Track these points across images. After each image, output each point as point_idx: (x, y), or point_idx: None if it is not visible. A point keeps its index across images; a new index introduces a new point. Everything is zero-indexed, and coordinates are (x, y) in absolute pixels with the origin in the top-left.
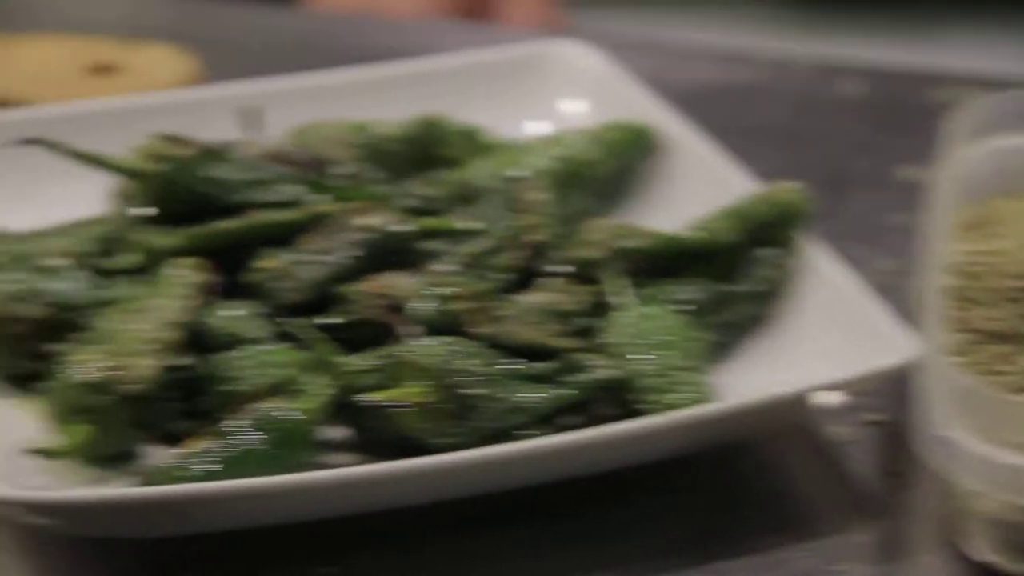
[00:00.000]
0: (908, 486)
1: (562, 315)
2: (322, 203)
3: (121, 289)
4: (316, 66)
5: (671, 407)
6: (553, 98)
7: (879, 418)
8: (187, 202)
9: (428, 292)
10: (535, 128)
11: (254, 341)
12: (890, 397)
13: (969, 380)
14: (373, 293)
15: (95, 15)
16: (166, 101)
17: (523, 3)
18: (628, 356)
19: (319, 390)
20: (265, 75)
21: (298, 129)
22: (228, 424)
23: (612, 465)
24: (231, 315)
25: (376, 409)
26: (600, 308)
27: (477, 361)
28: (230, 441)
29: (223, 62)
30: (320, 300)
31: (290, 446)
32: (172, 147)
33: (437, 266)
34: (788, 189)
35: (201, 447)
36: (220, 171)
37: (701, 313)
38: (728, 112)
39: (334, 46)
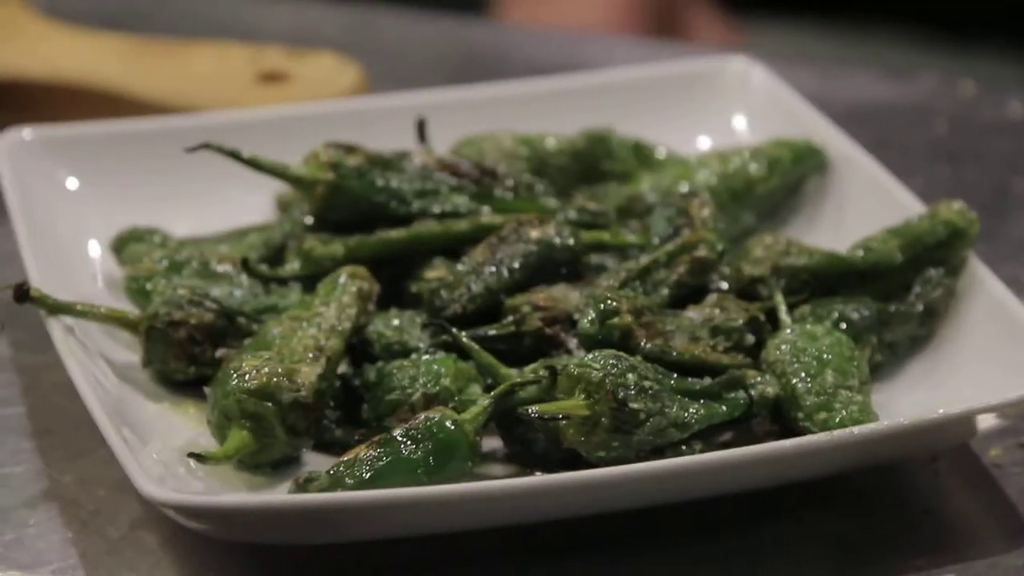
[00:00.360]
0: None
1: (725, 331)
2: (489, 215)
3: (285, 296)
4: (482, 77)
5: (831, 426)
6: (718, 114)
7: None
8: (354, 210)
9: (593, 306)
10: (701, 143)
11: (416, 350)
12: None
13: None
14: (538, 305)
15: (264, 23)
16: (335, 110)
17: (705, 21)
18: (789, 374)
19: (480, 401)
20: (429, 85)
21: (465, 140)
22: (388, 433)
23: (771, 483)
24: (394, 324)
25: (536, 421)
26: (763, 325)
27: (639, 375)
28: (389, 450)
29: (388, 71)
30: (485, 311)
31: (449, 456)
32: (342, 155)
33: (602, 280)
34: (953, 209)
35: (360, 455)
36: (388, 180)
37: (863, 332)
38: (890, 130)
39: (501, 58)
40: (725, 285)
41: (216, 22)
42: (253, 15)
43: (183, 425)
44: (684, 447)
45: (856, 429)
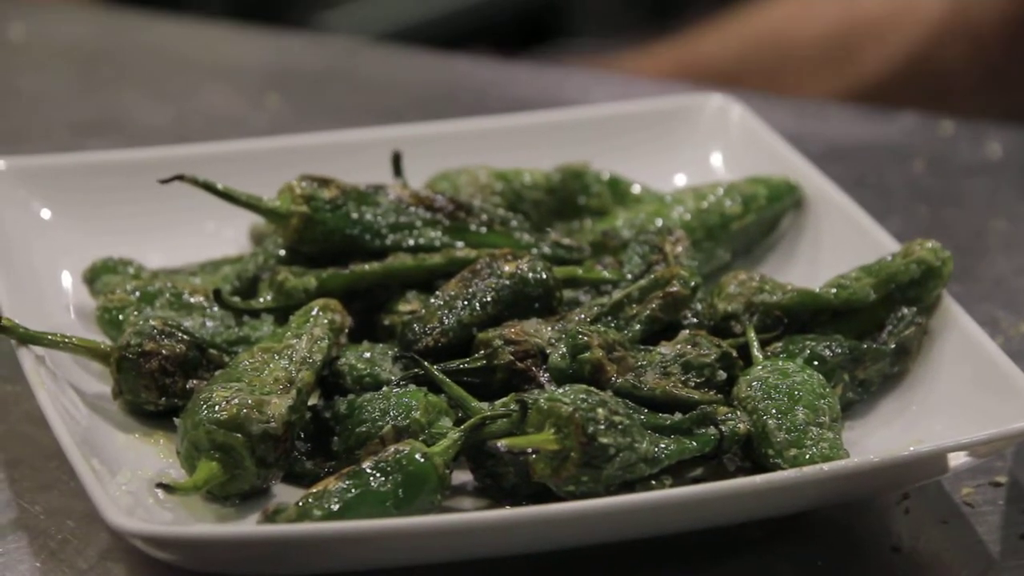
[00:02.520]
0: None
1: (697, 367)
2: (463, 249)
3: (257, 328)
4: (461, 112)
5: (801, 462)
6: (696, 150)
7: (1005, 479)
8: (328, 243)
9: (564, 340)
10: (678, 180)
11: (388, 383)
12: (1016, 459)
13: None
14: (510, 340)
15: (246, 56)
16: (312, 143)
17: None
18: (761, 410)
19: (450, 434)
20: (408, 120)
21: (440, 174)
22: (358, 465)
23: (741, 518)
24: (366, 357)
25: (505, 455)
26: (735, 361)
27: (610, 410)
28: (358, 482)
29: (368, 104)
30: (457, 345)
31: (418, 489)
32: (316, 188)
33: (575, 315)
34: (927, 247)
35: (329, 487)
36: (363, 213)
37: (835, 369)
38: (868, 169)
39: (480, 93)
40: (699, 321)
41: (196, 55)
42: (234, 48)
43: (153, 456)
44: (654, 482)
45: (826, 466)
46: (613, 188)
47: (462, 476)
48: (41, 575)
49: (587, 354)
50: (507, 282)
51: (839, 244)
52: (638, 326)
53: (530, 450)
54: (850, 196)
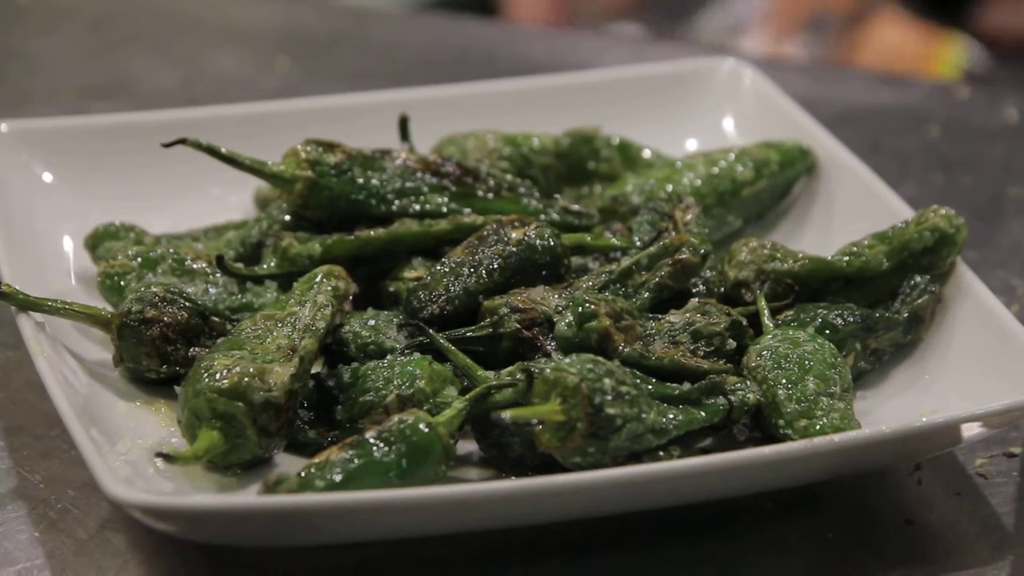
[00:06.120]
0: None
1: (706, 336)
2: (470, 215)
3: (261, 295)
4: (472, 75)
5: (812, 433)
6: (708, 115)
7: (1020, 450)
8: (333, 209)
9: (571, 308)
10: (689, 145)
11: (392, 351)
12: None
13: None
14: (516, 307)
15: (254, 20)
16: (318, 106)
17: None
18: (771, 380)
19: (455, 403)
20: (418, 83)
21: (448, 139)
22: (361, 435)
23: (750, 490)
24: (370, 324)
25: (512, 425)
26: (745, 330)
27: (617, 380)
28: (361, 452)
29: (378, 68)
30: (463, 312)
31: (422, 459)
32: (321, 152)
33: (582, 282)
34: (942, 214)
35: (332, 457)
36: (368, 178)
37: (847, 338)
38: (883, 134)
39: (491, 55)
40: (710, 289)
41: (205, 17)
42: (243, 10)
43: (154, 424)
44: (662, 453)
45: (836, 436)
46: (623, 153)
47: (467, 446)
48: (40, 545)
49: (594, 323)
50: (514, 249)
51: (852, 211)
52: (647, 294)
53: (536, 421)
54: (864, 162)
